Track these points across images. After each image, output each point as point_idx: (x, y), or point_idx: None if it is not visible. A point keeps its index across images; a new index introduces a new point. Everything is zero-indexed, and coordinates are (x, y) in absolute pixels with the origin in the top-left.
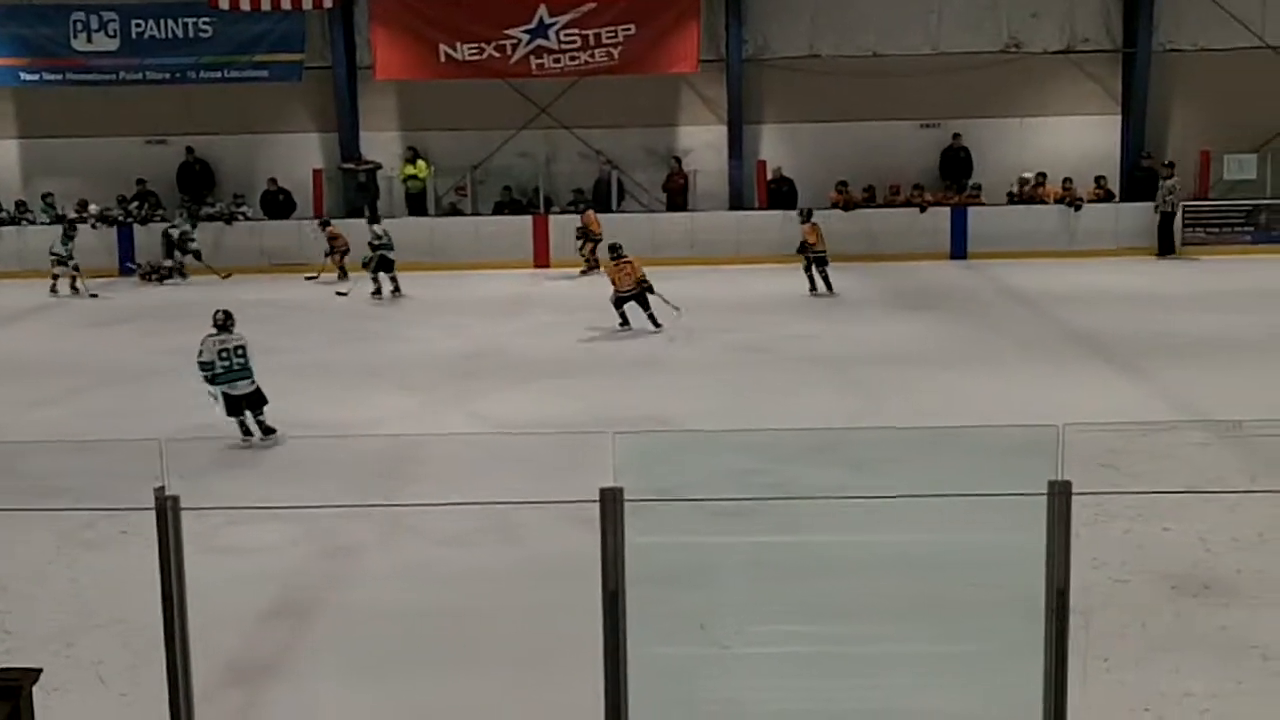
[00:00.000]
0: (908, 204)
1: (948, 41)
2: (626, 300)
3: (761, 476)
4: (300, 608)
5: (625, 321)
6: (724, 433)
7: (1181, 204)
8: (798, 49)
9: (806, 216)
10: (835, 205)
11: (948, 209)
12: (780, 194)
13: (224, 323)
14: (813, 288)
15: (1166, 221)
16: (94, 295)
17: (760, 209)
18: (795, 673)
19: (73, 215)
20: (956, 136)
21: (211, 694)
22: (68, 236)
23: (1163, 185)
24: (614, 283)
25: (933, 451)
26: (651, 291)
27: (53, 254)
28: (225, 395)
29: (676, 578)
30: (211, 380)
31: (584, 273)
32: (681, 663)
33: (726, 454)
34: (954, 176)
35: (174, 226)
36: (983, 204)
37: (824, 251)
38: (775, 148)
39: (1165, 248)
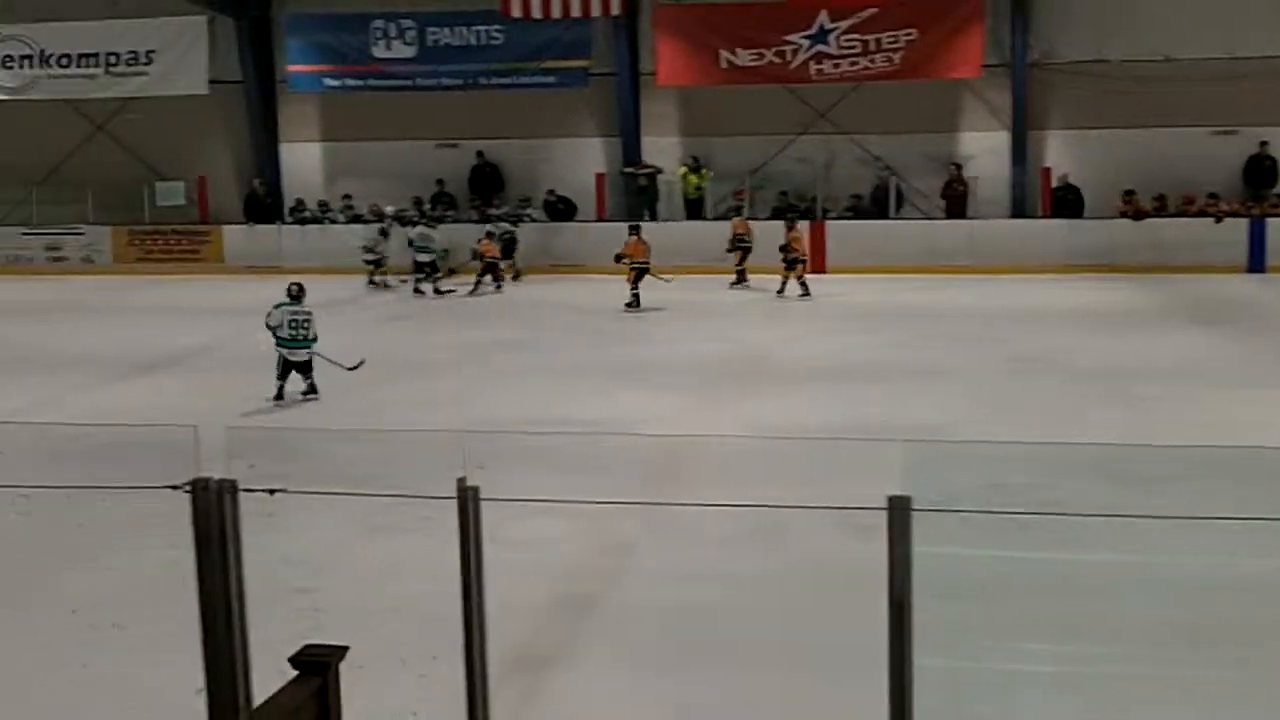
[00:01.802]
0: (1201, 214)
1: (1245, 45)
2: (642, 275)
3: (1040, 492)
4: (579, 600)
5: (636, 302)
6: (1004, 444)
7: None
8: (1085, 53)
9: (791, 224)
10: (1123, 214)
11: (1245, 220)
12: (1066, 202)
13: (296, 294)
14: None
15: None
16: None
17: (1044, 217)
18: (1076, 693)
19: (376, 217)
20: (1263, 144)
21: (498, 680)
22: (384, 235)
23: None
24: (632, 256)
25: (1218, 473)
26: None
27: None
28: (282, 358)
29: (955, 590)
30: (277, 344)
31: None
32: (965, 676)
33: (1004, 466)
34: (1258, 186)
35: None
36: None
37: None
38: (1060, 155)
39: None
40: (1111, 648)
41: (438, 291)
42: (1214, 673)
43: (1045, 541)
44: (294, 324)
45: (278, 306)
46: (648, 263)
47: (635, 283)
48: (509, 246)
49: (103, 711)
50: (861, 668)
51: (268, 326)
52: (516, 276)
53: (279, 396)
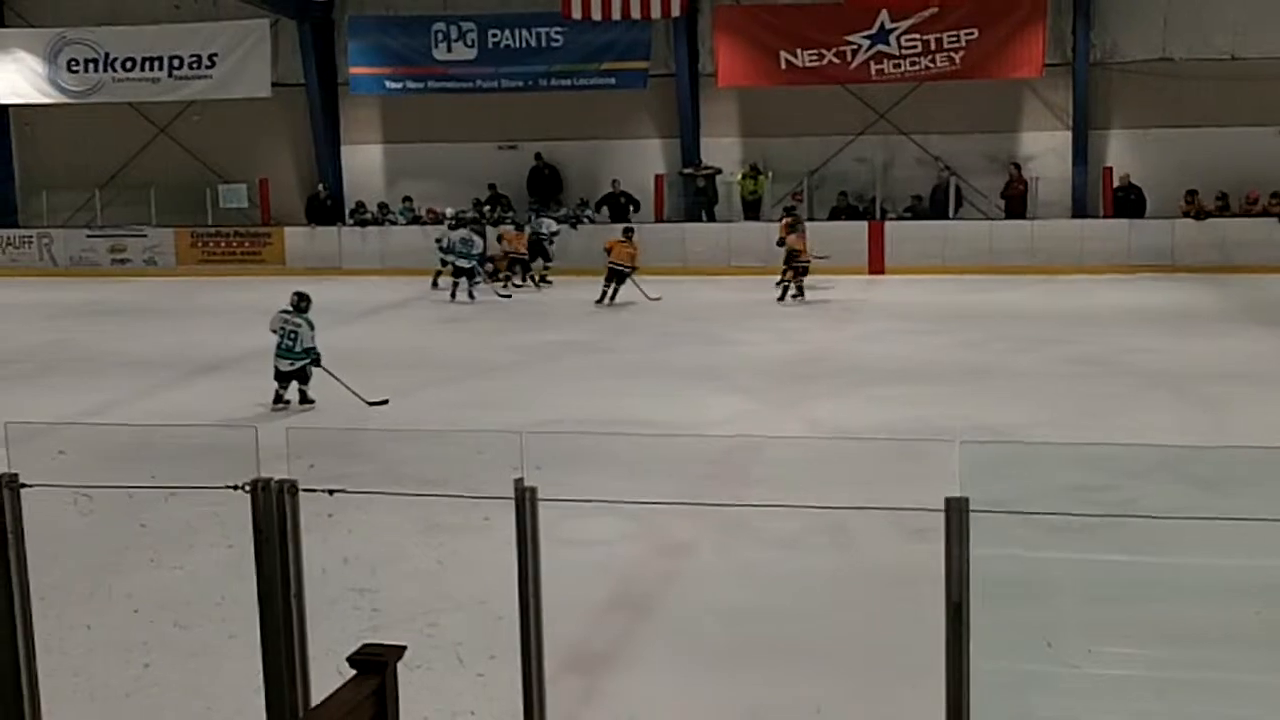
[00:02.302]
0: (1265, 213)
1: None
2: (620, 276)
3: (1105, 493)
4: (637, 601)
5: (607, 298)
6: (1068, 445)
7: None
8: (1149, 52)
9: (794, 226)
10: (1185, 214)
11: None
12: (1128, 202)
13: (295, 304)
14: (782, 297)
15: None
16: (507, 296)
17: (1105, 217)
18: (1146, 697)
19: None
20: None
21: (555, 679)
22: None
23: None
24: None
25: None
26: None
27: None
28: (275, 365)
29: (1018, 592)
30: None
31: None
32: (1026, 679)
33: (1067, 467)
34: None
35: (544, 226)
36: None
37: (808, 262)
38: (1122, 154)
39: None
40: (1182, 651)
41: (471, 296)
42: None
43: (1115, 544)
44: (283, 331)
45: (281, 311)
46: (627, 266)
47: (609, 281)
48: (537, 246)
49: (165, 710)
50: (922, 669)
51: (271, 330)
52: (541, 279)
53: (276, 401)
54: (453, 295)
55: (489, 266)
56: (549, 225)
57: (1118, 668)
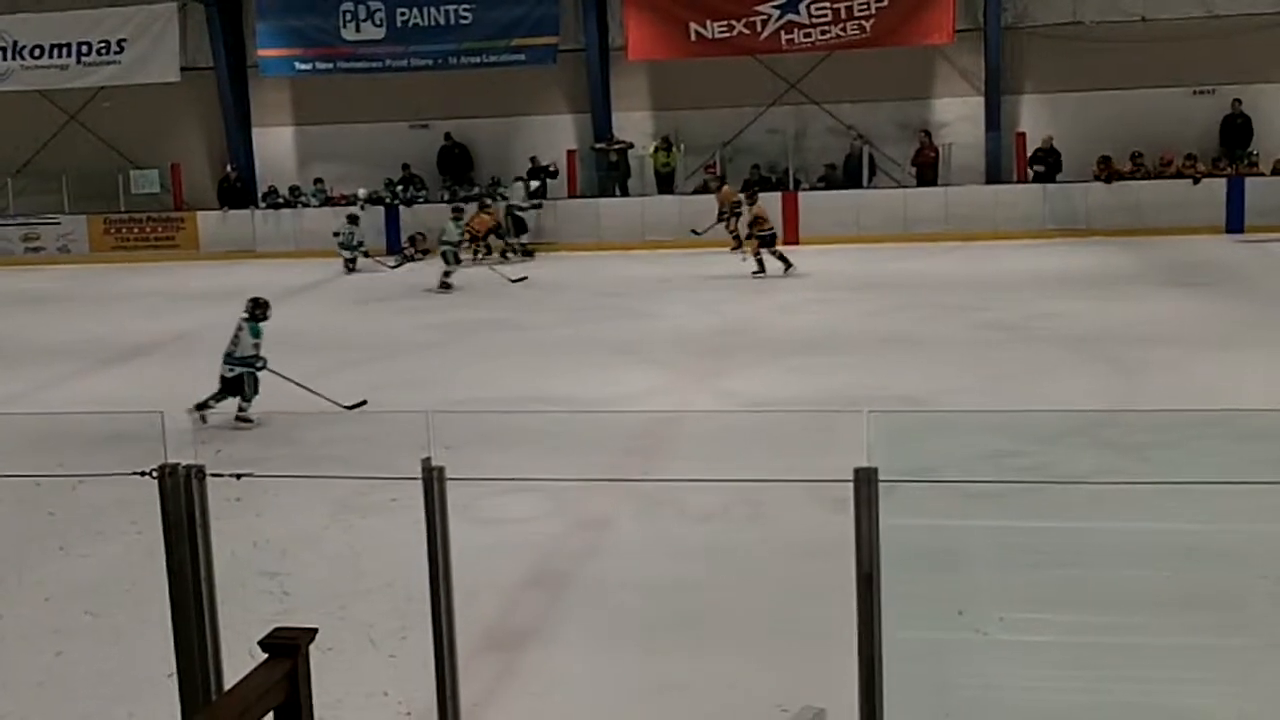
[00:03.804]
0: (1179, 175)
1: (1223, 3)
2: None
3: (1019, 459)
4: (555, 578)
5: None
6: (981, 413)
7: None
8: (1060, 15)
9: (753, 198)
10: (1097, 178)
11: (1223, 180)
12: (1045, 165)
13: (250, 310)
14: (760, 269)
15: None
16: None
17: (1019, 182)
18: (1057, 662)
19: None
20: (1236, 103)
21: (472, 658)
22: (354, 220)
23: None
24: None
25: (1203, 437)
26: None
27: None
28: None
29: (931, 561)
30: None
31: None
32: (937, 647)
33: (982, 435)
34: (1233, 145)
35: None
36: (1262, 174)
37: (773, 230)
38: (1035, 119)
39: None
40: (1095, 616)
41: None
42: (1227, 640)
43: (1028, 510)
44: (234, 338)
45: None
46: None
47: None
48: (513, 219)
49: (78, 698)
50: (836, 640)
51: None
52: (523, 250)
53: (201, 407)
54: (447, 286)
55: (408, 250)
56: (520, 194)
57: (1029, 634)
